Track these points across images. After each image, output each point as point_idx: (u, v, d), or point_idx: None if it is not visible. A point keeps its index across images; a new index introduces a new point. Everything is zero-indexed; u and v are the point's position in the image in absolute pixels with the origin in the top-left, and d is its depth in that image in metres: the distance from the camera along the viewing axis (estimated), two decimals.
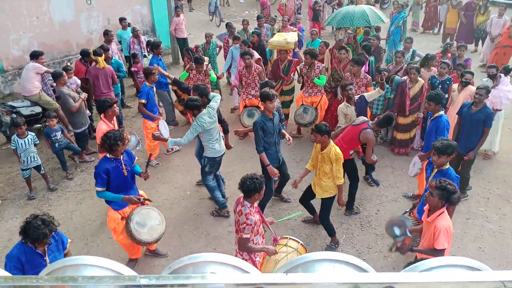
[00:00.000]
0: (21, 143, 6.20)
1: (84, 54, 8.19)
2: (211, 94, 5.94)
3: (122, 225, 4.69)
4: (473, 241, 5.58)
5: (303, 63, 7.80)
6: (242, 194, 4.04)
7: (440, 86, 7.17)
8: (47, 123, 6.73)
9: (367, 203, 6.37)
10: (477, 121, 5.84)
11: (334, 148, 4.93)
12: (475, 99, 5.80)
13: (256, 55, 8.48)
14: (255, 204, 4.10)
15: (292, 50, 8.27)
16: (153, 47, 8.26)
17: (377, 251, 5.44)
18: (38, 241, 3.36)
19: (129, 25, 10.62)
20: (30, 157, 6.31)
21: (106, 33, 9.19)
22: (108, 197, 4.62)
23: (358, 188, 6.09)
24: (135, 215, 4.64)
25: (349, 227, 5.87)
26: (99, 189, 4.51)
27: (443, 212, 3.85)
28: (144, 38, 10.07)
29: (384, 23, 9.36)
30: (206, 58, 8.73)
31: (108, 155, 4.52)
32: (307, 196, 5.61)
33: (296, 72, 9.14)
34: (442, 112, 5.67)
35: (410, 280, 1.17)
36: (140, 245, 4.88)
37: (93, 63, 7.79)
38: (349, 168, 5.85)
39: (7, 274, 1.41)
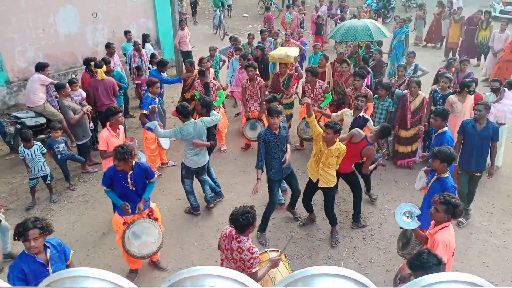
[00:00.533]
0: (28, 153, 6.24)
1: (87, 62, 8.26)
2: (213, 111, 6.07)
3: (122, 230, 4.75)
4: (477, 256, 5.53)
5: (304, 79, 7.82)
6: (230, 229, 3.80)
7: (441, 101, 7.18)
8: (51, 134, 6.78)
9: (370, 217, 6.34)
10: (487, 137, 5.79)
11: (340, 144, 5.18)
12: (475, 115, 5.78)
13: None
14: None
15: (293, 64, 8.30)
16: (160, 65, 8.36)
17: (379, 265, 5.40)
18: (28, 230, 3.41)
19: (147, 40, 10.89)
20: (38, 166, 6.35)
21: (108, 46, 9.30)
22: (111, 198, 4.80)
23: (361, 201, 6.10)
24: (135, 225, 4.67)
25: (351, 240, 5.83)
26: (104, 187, 4.72)
27: (446, 226, 3.84)
28: (145, 51, 10.14)
29: (387, 38, 9.41)
30: (212, 70, 8.79)
31: None
32: (308, 196, 5.80)
33: (296, 86, 9.16)
34: (446, 128, 5.67)
35: None
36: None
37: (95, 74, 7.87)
38: (352, 180, 5.92)
39: (8, 285, 1.41)
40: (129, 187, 4.64)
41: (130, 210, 4.69)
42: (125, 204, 4.67)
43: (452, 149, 4.73)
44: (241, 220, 3.60)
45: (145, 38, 10.97)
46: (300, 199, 5.98)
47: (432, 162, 4.70)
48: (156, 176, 4.95)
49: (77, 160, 7.15)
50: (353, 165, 5.83)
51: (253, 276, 3.66)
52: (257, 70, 8.98)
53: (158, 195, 6.87)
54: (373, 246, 5.75)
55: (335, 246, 5.68)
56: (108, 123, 5.76)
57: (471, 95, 6.86)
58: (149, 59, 9.98)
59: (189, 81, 8.43)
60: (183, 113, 5.72)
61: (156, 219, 4.94)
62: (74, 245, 5.75)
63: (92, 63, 8.04)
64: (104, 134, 5.67)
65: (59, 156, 6.69)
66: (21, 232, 3.40)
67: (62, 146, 6.68)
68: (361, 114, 6.48)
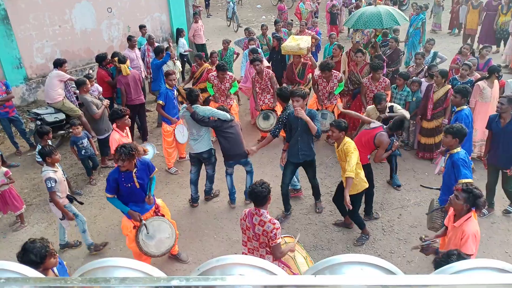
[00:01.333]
0: None
1: (100, 59, 8.33)
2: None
3: (133, 233, 4.69)
4: (499, 246, 5.46)
5: (317, 70, 7.78)
6: (248, 209, 3.99)
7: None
8: (71, 131, 6.87)
9: (389, 208, 6.30)
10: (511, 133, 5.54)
11: (347, 142, 5.02)
12: (497, 109, 5.57)
13: (266, 63, 8.43)
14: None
15: (306, 56, 8.24)
16: (156, 52, 8.55)
17: (400, 256, 5.37)
18: (44, 258, 3.26)
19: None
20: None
21: (129, 39, 9.37)
22: (116, 205, 4.67)
23: (376, 193, 6.09)
24: (147, 226, 4.63)
25: (371, 231, 5.80)
26: (108, 195, 4.61)
27: (470, 217, 3.78)
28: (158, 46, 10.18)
29: (408, 22, 9.29)
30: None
31: None
32: (339, 196, 5.52)
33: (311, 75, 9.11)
34: (465, 107, 5.71)
35: (440, 283, 1.16)
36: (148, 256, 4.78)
37: (119, 71, 8.01)
38: (366, 173, 5.67)
39: (40, 275, 1.45)
40: (135, 186, 4.58)
41: (139, 217, 4.61)
42: (132, 212, 4.60)
43: (464, 126, 4.80)
44: (259, 191, 3.79)
45: (179, 33, 11.02)
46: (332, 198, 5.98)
47: (444, 138, 4.77)
48: (156, 169, 4.91)
49: (94, 162, 7.13)
50: (369, 156, 5.72)
51: (278, 247, 3.86)
52: (274, 61, 8.96)
53: (177, 188, 6.95)
54: (393, 237, 5.72)
55: (357, 245, 5.56)
56: (115, 125, 5.80)
57: (499, 80, 6.79)
58: (184, 54, 10.14)
59: (197, 74, 8.47)
60: (189, 96, 5.94)
61: (163, 215, 4.91)
62: (96, 238, 5.86)
63: (116, 59, 8.14)
64: (116, 136, 5.66)
65: (83, 151, 6.77)
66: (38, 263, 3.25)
67: (85, 142, 6.78)
68: (387, 111, 6.44)
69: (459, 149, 4.68)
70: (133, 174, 4.55)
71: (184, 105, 6.17)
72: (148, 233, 4.61)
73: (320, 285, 1.15)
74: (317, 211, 6.20)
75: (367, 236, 5.60)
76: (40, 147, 5.22)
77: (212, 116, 5.85)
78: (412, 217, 6.00)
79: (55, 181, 4.98)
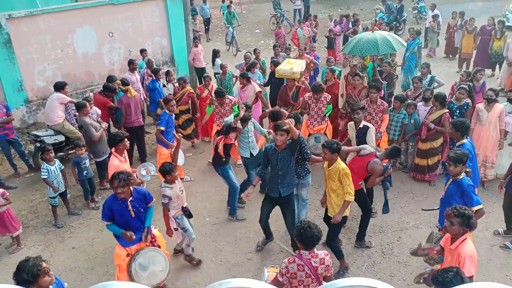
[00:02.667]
0: (53, 170, 6.36)
1: (108, 89, 8.33)
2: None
3: (126, 262, 4.60)
4: (499, 269, 5.42)
5: (310, 92, 7.80)
6: (293, 258, 3.72)
7: (457, 111, 7.14)
8: (75, 152, 6.89)
9: (388, 230, 6.27)
10: None
11: (341, 164, 4.92)
12: None
13: (257, 88, 8.49)
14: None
15: (298, 80, 8.34)
16: (153, 72, 8.84)
17: (400, 279, 5.32)
18: (37, 277, 3.25)
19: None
20: (60, 183, 6.47)
21: (131, 62, 9.49)
22: (113, 230, 4.63)
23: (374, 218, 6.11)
24: (140, 256, 4.54)
25: (370, 254, 5.77)
26: (104, 222, 4.60)
27: (465, 239, 3.79)
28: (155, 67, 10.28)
29: (405, 47, 9.43)
30: (214, 86, 8.98)
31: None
32: (329, 217, 5.41)
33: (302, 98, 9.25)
34: (465, 140, 5.56)
35: None
36: None
37: (122, 93, 8.19)
38: (360, 198, 5.65)
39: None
40: (131, 215, 4.53)
41: (133, 237, 4.53)
42: (125, 231, 4.52)
43: (465, 151, 4.76)
44: (317, 234, 3.64)
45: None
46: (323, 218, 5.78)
47: (448, 166, 4.68)
48: (154, 200, 4.80)
49: (91, 186, 7.11)
50: (361, 183, 5.64)
51: (330, 278, 3.81)
52: (273, 84, 9.05)
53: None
54: (393, 260, 5.68)
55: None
56: (114, 149, 5.79)
57: (489, 102, 6.84)
58: (218, 73, 10.38)
59: (178, 96, 8.59)
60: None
61: (159, 246, 4.82)
62: (94, 261, 5.81)
63: (119, 82, 8.32)
64: (115, 162, 5.65)
65: (84, 172, 6.77)
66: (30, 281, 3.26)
67: (87, 162, 6.80)
68: (361, 125, 6.42)
69: (463, 174, 4.64)
70: (128, 203, 4.49)
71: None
72: (141, 265, 4.50)
73: None
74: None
75: (345, 270, 5.39)
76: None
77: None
78: (411, 240, 5.97)
79: (170, 199, 5.13)
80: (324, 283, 3.78)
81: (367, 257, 5.74)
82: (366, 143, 6.13)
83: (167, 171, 5.10)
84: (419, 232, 6.18)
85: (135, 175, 5.83)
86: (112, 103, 8.38)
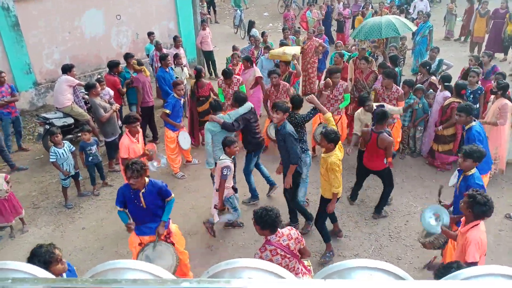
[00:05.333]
0: (62, 153, 6.39)
1: (113, 65, 8.35)
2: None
3: (137, 250, 4.56)
4: (508, 254, 5.41)
5: (323, 80, 7.73)
6: (265, 243, 3.76)
7: (471, 96, 7.03)
8: (80, 135, 6.90)
9: (396, 214, 6.27)
10: None
11: (333, 157, 4.89)
12: None
13: (258, 73, 8.40)
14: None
15: (288, 67, 8.33)
16: (161, 58, 8.56)
17: (406, 262, 5.34)
18: (49, 264, 3.24)
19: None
20: (70, 165, 6.51)
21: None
22: (121, 219, 4.59)
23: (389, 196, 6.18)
24: (149, 249, 4.46)
25: (377, 238, 5.79)
26: (117, 207, 4.55)
27: (476, 225, 3.76)
28: (166, 51, 10.24)
29: (412, 31, 9.27)
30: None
31: None
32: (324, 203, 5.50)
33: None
34: (474, 123, 5.50)
35: None
36: None
37: (138, 72, 8.23)
38: (386, 174, 5.92)
39: (51, 275, 1.47)
40: (142, 206, 4.42)
41: (133, 228, 4.50)
42: (129, 223, 4.50)
43: (480, 146, 4.63)
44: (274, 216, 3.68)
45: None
46: None
47: (462, 161, 4.54)
48: (173, 195, 4.67)
49: (99, 171, 7.11)
50: (385, 161, 5.77)
51: (305, 249, 3.93)
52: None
53: (183, 192, 6.97)
54: (400, 243, 5.69)
55: (322, 263, 5.26)
56: (127, 130, 5.85)
57: (491, 93, 6.70)
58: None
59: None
60: (214, 107, 6.21)
61: (172, 243, 4.64)
62: (103, 241, 5.90)
63: (134, 61, 8.36)
64: (125, 142, 5.71)
65: (90, 158, 6.76)
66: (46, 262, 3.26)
67: (94, 149, 6.76)
68: (375, 106, 6.41)
69: (474, 170, 4.55)
70: (140, 194, 4.38)
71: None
72: (147, 257, 4.41)
73: None
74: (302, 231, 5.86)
75: (331, 253, 5.41)
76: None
77: (236, 116, 6.06)
78: (419, 224, 5.92)
79: (230, 170, 5.20)
80: (300, 256, 3.85)
81: (374, 240, 5.76)
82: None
83: (227, 144, 5.26)
84: None
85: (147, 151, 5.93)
86: (120, 86, 8.35)
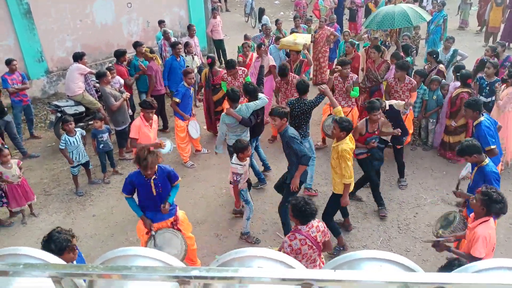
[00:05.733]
0: (73, 141, 6.44)
1: (119, 55, 8.35)
2: (261, 95, 6.25)
3: (145, 238, 4.58)
4: None
5: (312, 65, 7.68)
6: (294, 233, 3.82)
7: (487, 88, 6.92)
8: (93, 124, 6.94)
9: (406, 206, 6.24)
10: None
11: (343, 145, 4.85)
12: None
13: (272, 61, 8.36)
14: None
15: (299, 56, 8.26)
16: (171, 46, 8.55)
17: (415, 254, 5.32)
18: (63, 251, 3.24)
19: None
20: (81, 153, 6.57)
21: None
22: (131, 207, 4.59)
23: (393, 192, 6.29)
24: (158, 236, 4.46)
25: (386, 229, 5.77)
26: (124, 195, 4.58)
27: (487, 221, 3.72)
28: (174, 40, 10.16)
29: (426, 21, 9.12)
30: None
31: None
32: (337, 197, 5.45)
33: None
34: (482, 118, 5.41)
35: (461, 281, 1.15)
36: None
37: (151, 60, 8.29)
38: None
39: (62, 261, 1.49)
40: (152, 193, 4.45)
41: (149, 226, 4.49)
42: (144, 218, 4.52)
43: (475, 140, 4.61)
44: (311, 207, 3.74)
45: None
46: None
47: (465, 159, 4.62)
48: (180, 179, 4.70)
49: (110, 159, 7.15)
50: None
51: (329, 242, 4.04)
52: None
53: (193, 182, 7.00)
54: (409, 235, 5.67)
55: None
56: (142, 113, 5.91)
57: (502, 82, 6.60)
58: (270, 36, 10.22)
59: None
60: (233, 98, 6.01)
61: (179, 230, 4.65)
62: (113, 228, 5.97)
63: (147, 49, 8.41)
64: (137, 123, 5.80)
65: (101, 145, 6.80)
66: (61, 248, 3.27)
67: (105, 136, 6.81)
68: (387, 107, 6.24)
69: (487, 161, 4.49)
70: (151, 181, 4.41)
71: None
72: (156, 245, 4.41)
73: (339, 280, 1.15)
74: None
75: (341, 248, 5.36)
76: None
77: (254, 109, 6.05)
78: (428, 216, 5.94)
79: (240, 176, 5.17)
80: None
81: (382, 231, 5.74)
82: (401, 124, 6.23)
83: (240, 149, 5.12)
84: (436, 208, 6.13)
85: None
86: (128, 77, 8.29)
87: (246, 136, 6.18)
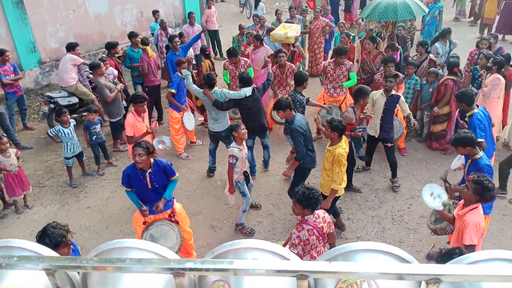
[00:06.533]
0: (67, 132, 6.40)
1: (110, 46, 8.30)
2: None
3: (141, 229, 4.56)
4: (510, 238, 5.41)
5: (329, 59, 7.65)
6: (302, 222, 3.81)
7: (480, 79, 6.94)
8: (86, 116, 6.88)
9: (399, 197, 6.27)
10: None
11: (339, 149, 4.75)
12: None
13: (270, 50, 8.27)
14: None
15: (289, 48, 8.29)
16: (169, 40, 8.48)
17: (409, 245, 5.36)
18: (58, 246, 3.19)
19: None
20: (75, 144, 6.53)
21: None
22: (131, 199, 4.60)
23: (386, 183, 6.33)
24: (153, 228, 4.46)
25: (380, 221, 5.80)
26: (124, 187, 4.58)
27: (475, 208, 3.75)
28: (171, 31, 10.12)
29: (425, 13, 9.09)
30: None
31: None
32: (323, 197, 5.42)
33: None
34: (475, 110, 5.40)
35: (456, 273, 1.15)
36: None
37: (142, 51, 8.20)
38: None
39: (56, 254, 1.48)
40: (147, 186, 4.43)
41: (147, 213, 4.49)
42: (143, 209, 4.47)
43: (470, 131, 4.62)
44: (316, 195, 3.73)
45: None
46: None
47: (456, 150, 4.63)
48: (177, 174, 4.67)
49: (103, 151, 7.12)
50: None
51: (333, 234, 4.10)
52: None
53: (187, 173, 6.99)
54: (403, 226, 5.70)
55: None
56: (133, 109, 5.84)
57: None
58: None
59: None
60: (208, 83, 6.24)
61: (177, 222, 4.65)
62: (108, 220, 5.96)
63: (139, 39, 8.35)
64: (130, 120, 5.71)
65: (94, 137, 6.76)
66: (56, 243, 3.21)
67: (98, 128, 6.77)
68: (393, 92, 6.27)
69: (481, 153, 4.50)
70: (147, 174, 4.39)
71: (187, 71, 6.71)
72: (152, 237, 4.42)
73: (334, 272, 1.15)
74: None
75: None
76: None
77: (227, 98, 6.14)
78: (422, 207, 5.96)
79: (237, 159, 5.16)
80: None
81: (376, 223, 5.77)
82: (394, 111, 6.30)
83: (233, 129, 5.21)
84: None
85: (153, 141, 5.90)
86: (118, 70, 8.21)
87: (225, 122, 6.42)
